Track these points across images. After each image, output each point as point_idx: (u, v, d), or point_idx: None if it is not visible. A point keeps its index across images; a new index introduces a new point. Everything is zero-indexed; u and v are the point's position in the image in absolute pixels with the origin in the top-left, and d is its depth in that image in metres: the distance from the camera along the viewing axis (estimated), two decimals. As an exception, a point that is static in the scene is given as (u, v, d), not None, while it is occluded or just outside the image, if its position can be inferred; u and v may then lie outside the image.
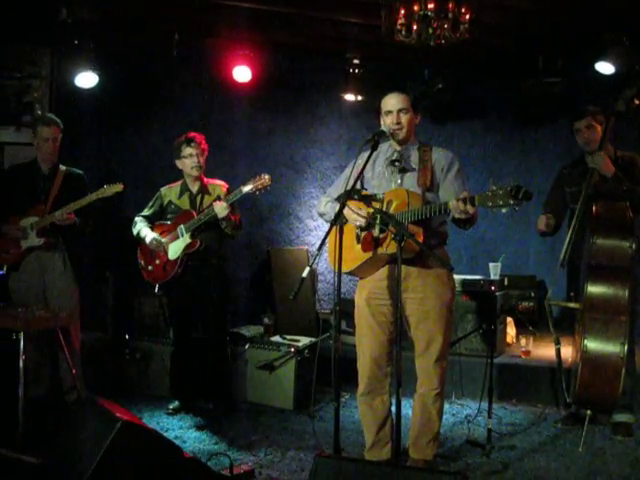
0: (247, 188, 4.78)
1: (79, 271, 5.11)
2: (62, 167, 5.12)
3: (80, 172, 5.21)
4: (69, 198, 4.87)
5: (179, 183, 5.19)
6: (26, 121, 6.08)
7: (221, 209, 4.80)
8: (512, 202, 3.15)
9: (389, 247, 3.59)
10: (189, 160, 5.05)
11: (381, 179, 3.88)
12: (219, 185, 5.16)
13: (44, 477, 3.57)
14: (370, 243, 3.72)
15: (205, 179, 5.19)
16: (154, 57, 6.48)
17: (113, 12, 5.74)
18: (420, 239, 3.58)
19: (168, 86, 6.78)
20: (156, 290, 5.19)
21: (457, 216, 3.45)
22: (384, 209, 3.67)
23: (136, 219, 5.21)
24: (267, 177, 4.76)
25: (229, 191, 5.00)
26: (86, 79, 5.80)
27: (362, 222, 3.71)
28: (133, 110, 6.60)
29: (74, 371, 4.67)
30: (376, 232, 3.67)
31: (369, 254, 3.73)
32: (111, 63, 6.00)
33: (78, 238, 5.09)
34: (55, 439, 3.71)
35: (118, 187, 4.87)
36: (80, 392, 4.70)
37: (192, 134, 5.10)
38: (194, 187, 5.15)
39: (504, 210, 3.22)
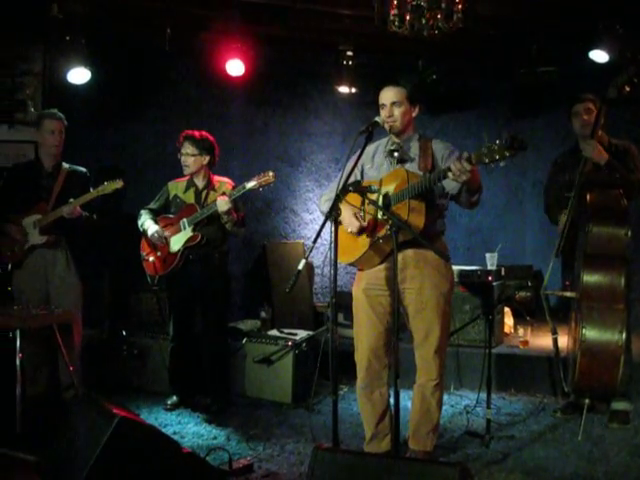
0: (251, 184, 4.79)
1: (82, 268, 5.11)
2: (65, 165, 5.12)
3: (84, 170, 5.22)
4: (72, 196, 4.89)
5: (187, 178, 5.20)
6: (19, 118, 6.04)
7: (222, 203, 4.81)
8: (508, 153, 3.14)
9: (387, 231, 3.58)
10: (182, 159, 5.10)
11: (380, 170, 3.90)
12: (225, 182, 5.17)
13: (42, 475, 3.56)
14: (371, 228, 3.73)
15: (213, 176, 5.20)
16: (146, 52, 6.45)
17: (104, 7, 5.72)
18: (422, 215, 3.58)
19: (161, 81, 6.75)
20: (154, 281, 5.18)
21: (461, 179, 3.38)
22: (381, 194, 3.67)
23: (142, 211, 5.24)
24: (271, 174, 4.78)
25: (234, 189, 4.99)
26: (78, 75, 5.75)
27: (354, 229, 3.74)
28: (126, 106, 6.57)
29: (71, 368, 4.66)
30: (378, 216, 3.68)
31: (369, 241, 3.73)
32: (103, 58, 5.96)
33: (85, 232, 5.11)
34: (53, 437, 3.69)
35: (118, 184, 4.88)
36: (78, 389, 4.69)
37: (191, 133, 5.11)
38: (200, 183, 5.16)
39: (502, 163, 3.20)
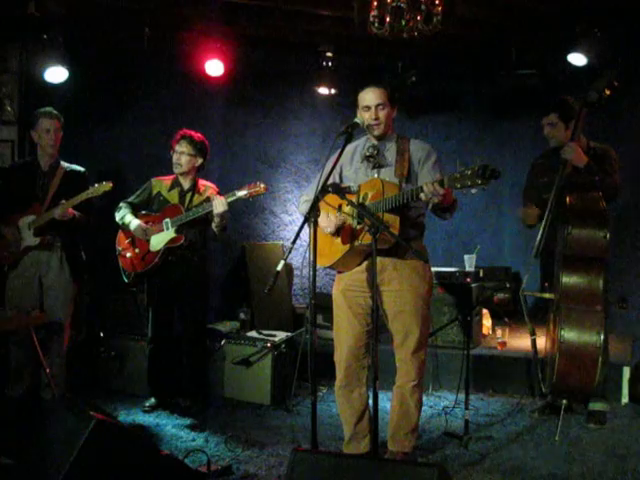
0: (242, 193, 4.76)
1: (76, 270, 5.06)
2: (63, 164, 5.07)
3: (82, 169, 5.16)
4: (69, 196, 4.81)
5: (172, 177, 5.17)
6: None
7: (220, 204, 4.76)
8: (480, 182, 3.16)
9: (364, 238, 3.58)
10: (175, 156, 5.07)
11: (358, 173, 3.89)
12: (210, 187, 5.16)
13: (18, 478, 3.52)
14: (349, 235, 3.71)
15: (199, 179, 5.18)
16: (125, 51, 6.39)
17: (82, 5, 5.67)
18: (396, 229, 3.57)
19: (139, 80, 6.69)
20: (130, 278, 5.13)
21: (433, 201, 3.43)
22: (360, 201, 3.67)
23: (121, 204, 5.18)
24: (262, 186, 4.76)
25: (219, 194, 4.96)
26: (56, 74, 5.69)
27: (332, 229, 3.73)
28: (104, 105, 6.51)
29: (47, 370, 4.61)
30: (354, 224, 3.67)
31: (348, 246, 3.72)
32: (81, 57, 5.91)
33: (76, 233, 5.05)
34: (29, 439, 3.65)
35: (107, 186, 4.82)
36: (55, 390, 4.64)
37: (189, 133, 5.09)
38: (186, 184, 5.13)
39: (473, 191, 3.22)
